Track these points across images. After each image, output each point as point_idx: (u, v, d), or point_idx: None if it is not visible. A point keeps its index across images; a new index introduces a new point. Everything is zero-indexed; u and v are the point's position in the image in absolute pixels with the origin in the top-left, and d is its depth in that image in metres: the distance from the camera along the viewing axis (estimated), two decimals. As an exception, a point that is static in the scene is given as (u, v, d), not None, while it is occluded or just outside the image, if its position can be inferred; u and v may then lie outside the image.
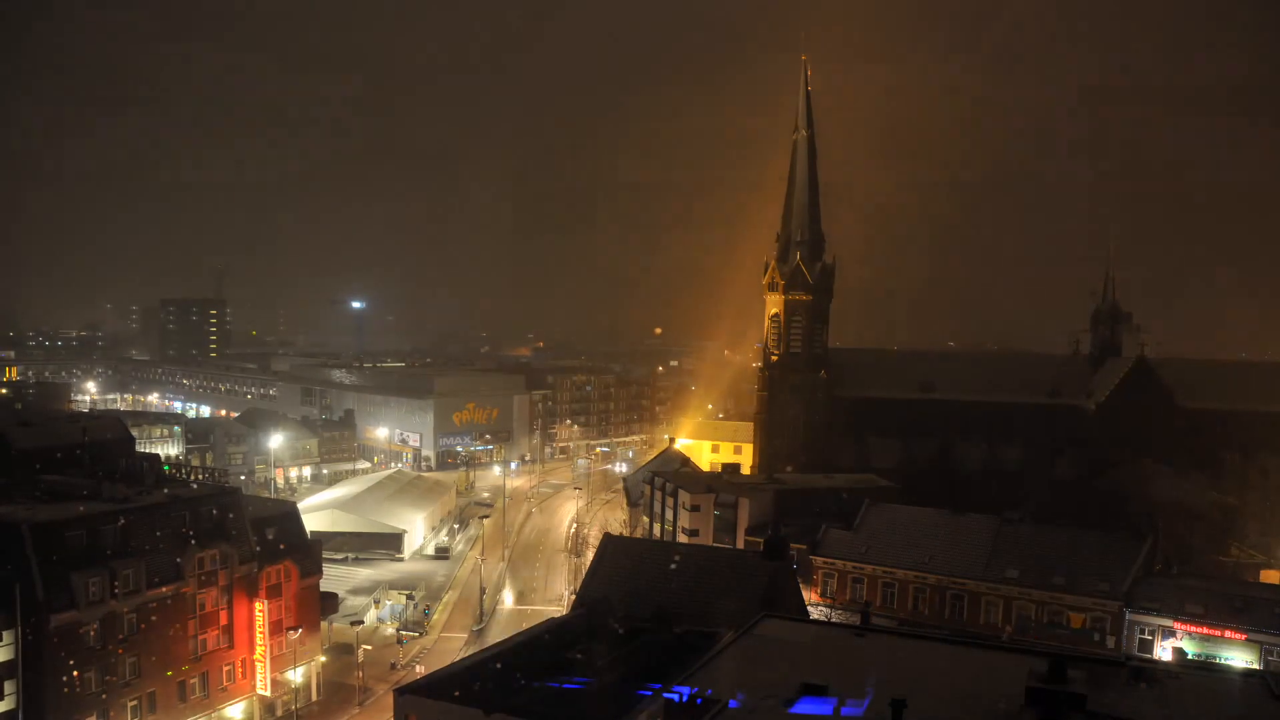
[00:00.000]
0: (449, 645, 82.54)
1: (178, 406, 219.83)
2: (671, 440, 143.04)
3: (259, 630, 63.59)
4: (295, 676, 67.31)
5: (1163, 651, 60.05)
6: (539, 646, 48.01)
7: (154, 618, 57.47)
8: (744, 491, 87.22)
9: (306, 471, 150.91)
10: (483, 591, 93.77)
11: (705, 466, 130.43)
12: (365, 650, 75.47)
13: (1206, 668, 48.59)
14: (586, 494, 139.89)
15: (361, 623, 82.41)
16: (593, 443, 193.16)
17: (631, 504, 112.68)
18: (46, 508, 56.73)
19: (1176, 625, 61.39)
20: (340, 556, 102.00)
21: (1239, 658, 58.45)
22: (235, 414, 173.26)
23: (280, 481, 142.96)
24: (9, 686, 51.37)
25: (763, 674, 40.08)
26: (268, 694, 64.50)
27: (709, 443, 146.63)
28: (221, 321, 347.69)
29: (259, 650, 63.61)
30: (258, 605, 63.59)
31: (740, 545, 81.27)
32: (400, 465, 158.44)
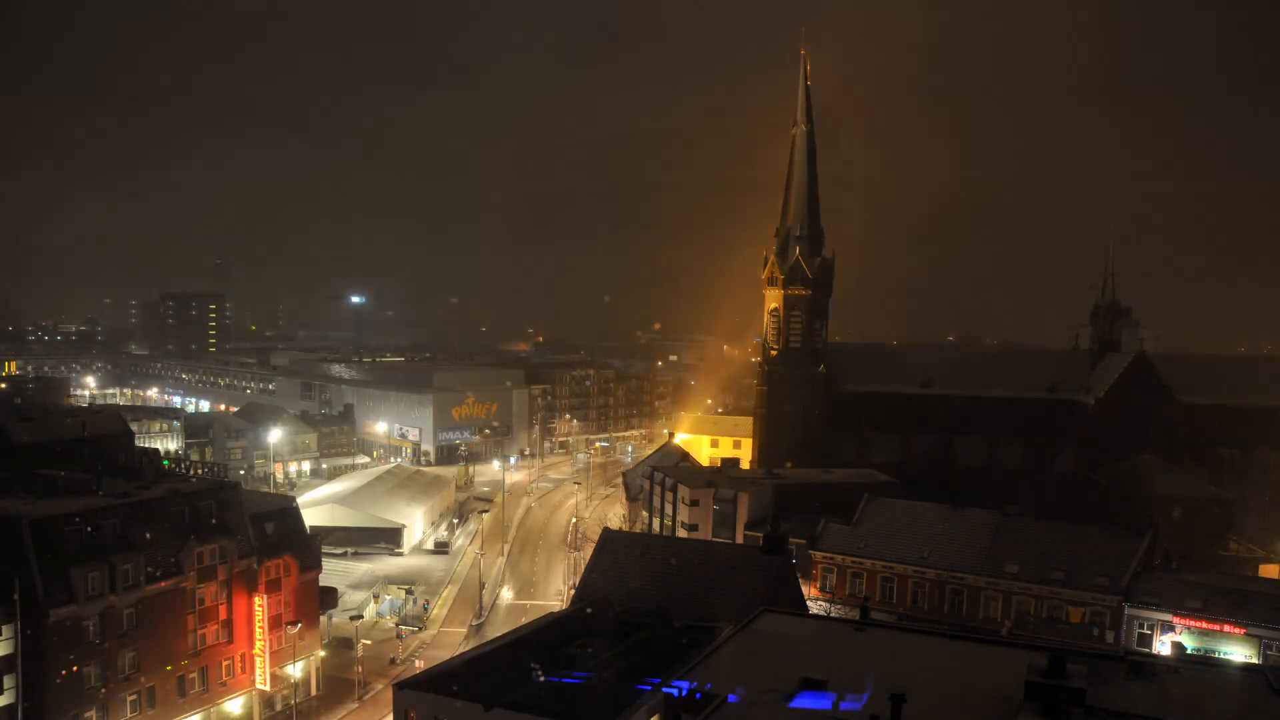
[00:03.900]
0: (448, 640, 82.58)
1: (177, 401, 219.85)
2: (671, 435, 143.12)
3: (258, 625, 63.56)
4: (294, 671, 67.31)
5: (1162, 646, 60.08)
6: (538, 641, 48.04)
7: (153, 612, 57.40)
8: (743, 486, 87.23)
9: (305, 466, 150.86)
10: (482, 586, 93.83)
11: (704, 461, 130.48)
12: (364, 645, 75.51)
13: (1205, 662, 48.61)
14: (586, 489, 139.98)
15: (361, 617, 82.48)
16: (592, 437, 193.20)
17: (631, 499, 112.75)
18: (46, 503, 56.66)
19: (1176, 620, 61.43)
20: (339, 551, 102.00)
21: (1238, 652, 58.47)
22: (234, 409, 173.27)
23: (279, 476, 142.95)
24: (8, 681, 51.35)
25: (762, 669, 40.11)
26: (267, 689, 64.48)
27: (708, 437, 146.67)
28: (221, 316, 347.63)
29: (258, 645, 63.58)
30: (257, 600, 63.57)
31: (739, 540, 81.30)
32: (399, 460, 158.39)
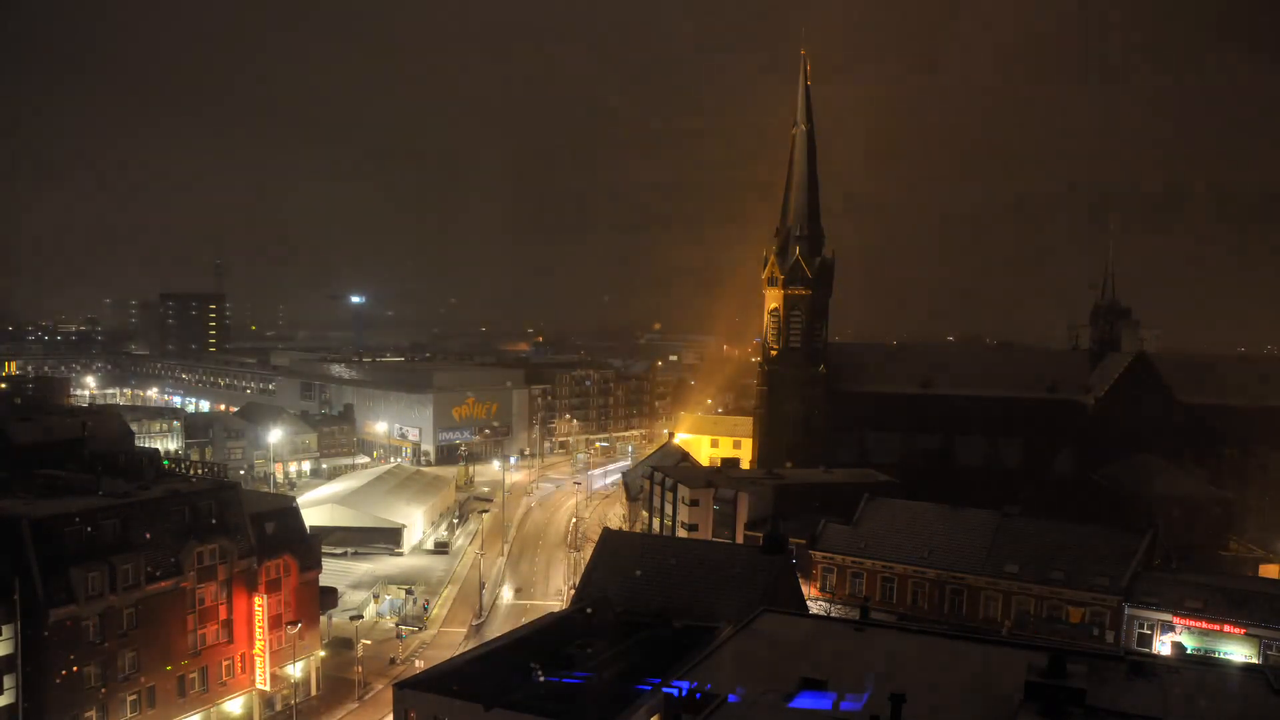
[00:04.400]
0: (448, 640, 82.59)
1: (177, 401, 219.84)
2: (671, 435, 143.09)
3: (258, 625, 63.56)
4: (294, 671, 67.31)
5: (1162, 646, 60.08)
6: (539, 641, 48.02)
7: (153, 612, 57.40)
8: (743, 486, 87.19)
9: (306, 466, 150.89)
10: (482, 586, 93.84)
11: (704, 461, 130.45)
12: (364, 645, 75.52)
13: (1205, 662, 48.60)
14: (586, 489, 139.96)
15: (361, 617, 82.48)
16: (592, 437, 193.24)
17: (631, 499, 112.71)
18: (46, 503, 56.65)
19: (1175, 620, 61.42)
20: (339, 551, 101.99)
21: (1238, 652, 58.48)
22: (234, 409, 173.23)
23: (279, 476, 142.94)
24: (8, 681, 51.34)
25: (762, 669, 40.12)
26: (267, 689, 64.48)
27: (708, 437, 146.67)
28: (221, 316, 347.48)
29: (258, 645, 63.58)
30: (257, 600, 63.57)
31: (739, 540, 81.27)
32: (399, 460, 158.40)
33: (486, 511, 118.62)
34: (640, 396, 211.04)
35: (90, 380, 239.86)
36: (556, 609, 67.41)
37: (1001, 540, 69.89)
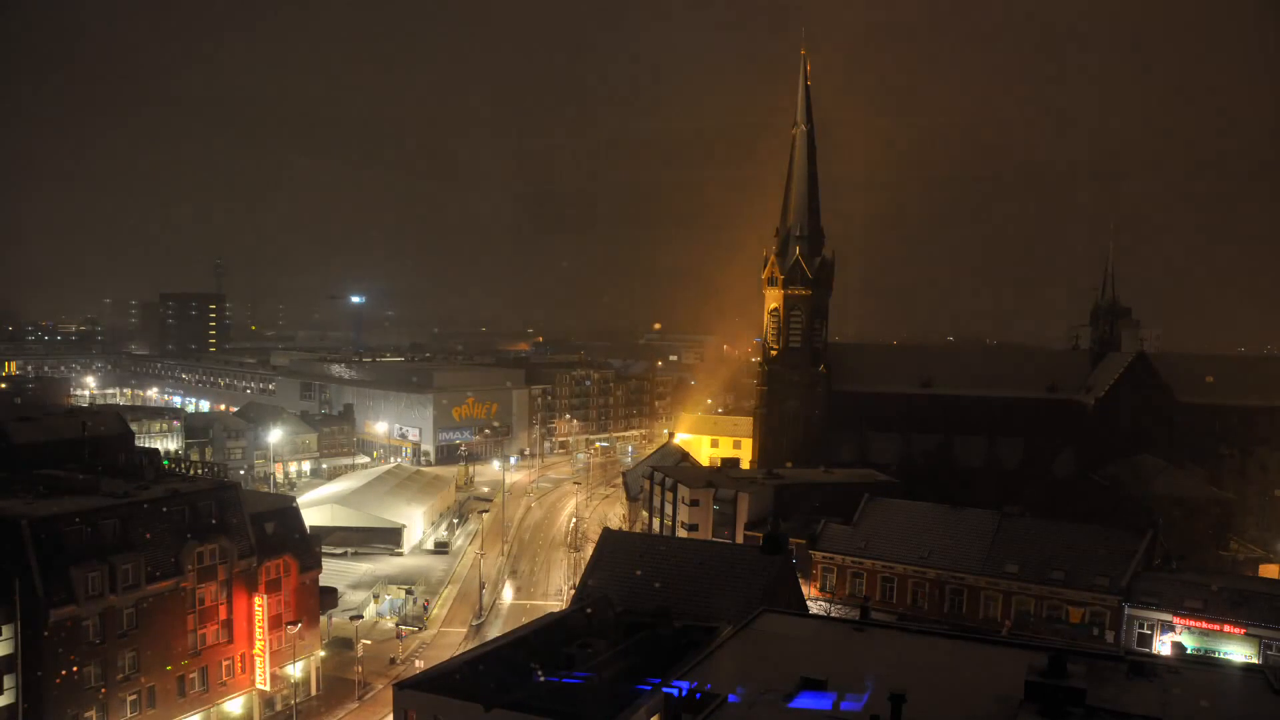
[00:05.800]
0: (448, 640, 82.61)
1: (177, 401, 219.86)
2: (671, 435, 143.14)
3: (258, 625, 63.57)
4: (294, 671, 67.33)
5: (1162, 646, 60.08)
6: (539, 641, 47.99)
7: (153, 612, 57.41)
8: (743, 486, 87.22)
9: (306, 466, 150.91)
10: (482, 586, 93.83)
11: (705, 461, 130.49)
12: (364, 645, 75.54)
13: (1206, 662, 48.59)
14: (586, 489, 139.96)
15: (361, 617, 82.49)
16: (592, 437, 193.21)
17: (631, 499, 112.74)
18: (46, 503, 56.66)
19: (1175, 620, 61.43)
20: (339, 551, 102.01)
21: (1238, 652, 58.48)
22: (234, 409, 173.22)
23: (279, 476, 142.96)
24: (8, 681, 51.33)
25: (762, 668, 40.13)
26: (267, 689, 64.49)
27: (708, 438, 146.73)
28: (221, 316, 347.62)
29: (258, 645, 63.59)
30: (257, 600, 63.58)
31: (739, 540, 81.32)
32: (399, 460, 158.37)
33: (486, 511, 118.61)
34: (640, 396, 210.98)
35: (90, 380, 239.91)
36: (556, 609, 67.38)
37: (1001, 540, 69.88)
